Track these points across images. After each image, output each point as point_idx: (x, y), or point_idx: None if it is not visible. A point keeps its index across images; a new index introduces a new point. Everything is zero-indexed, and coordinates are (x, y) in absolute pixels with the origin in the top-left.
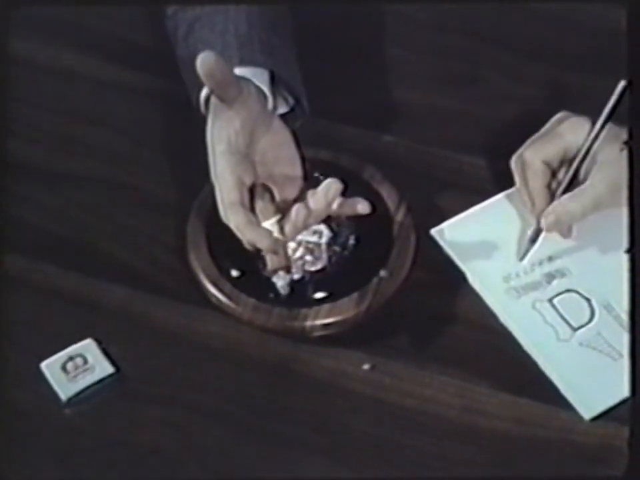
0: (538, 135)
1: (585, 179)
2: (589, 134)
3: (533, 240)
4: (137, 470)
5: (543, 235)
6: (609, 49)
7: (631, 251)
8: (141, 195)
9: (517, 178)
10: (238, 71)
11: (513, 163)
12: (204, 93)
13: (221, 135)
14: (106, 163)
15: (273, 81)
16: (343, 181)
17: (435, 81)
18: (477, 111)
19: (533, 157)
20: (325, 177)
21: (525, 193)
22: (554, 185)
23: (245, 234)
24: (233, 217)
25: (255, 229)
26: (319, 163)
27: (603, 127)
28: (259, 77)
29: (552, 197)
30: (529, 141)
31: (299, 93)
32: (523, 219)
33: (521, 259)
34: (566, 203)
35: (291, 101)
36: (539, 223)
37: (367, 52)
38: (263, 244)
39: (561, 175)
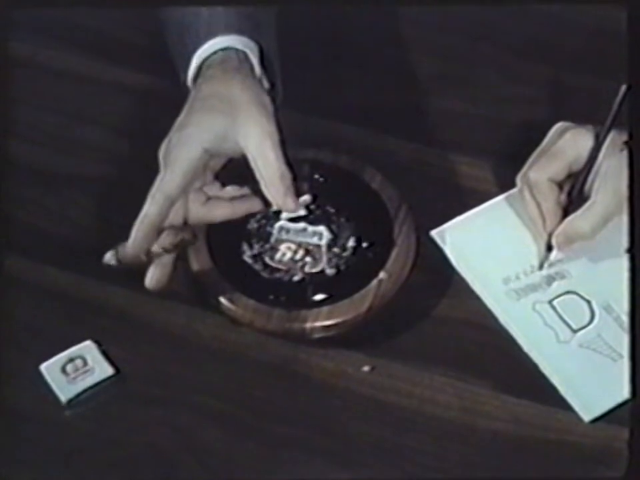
0: (539, 150)
1: (590, 190)
2: (592, 145)
3: (549, 249)
4: (137, 471)
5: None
6: (609, 49)
7: (630, 251)
8: (141, 195)
9: (525, 197)
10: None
11: (519, 181)
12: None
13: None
14: (106, 163)
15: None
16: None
17: (435, 81)
18: (476, 112)
19: (538, 177)
20: (325, 180)
21: (535, 212)
22: (562, 197)
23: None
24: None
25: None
26: (319, 163)
27: (606, 135)
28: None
29: (564, 211)
30: (531, 159)
31: (275, 76)
32: (523, 221)
33: (540, 267)
34: (575, 223)
35: (266, 84)
36: (549, 240)
37: (368, 52)
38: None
39: (565, 188)
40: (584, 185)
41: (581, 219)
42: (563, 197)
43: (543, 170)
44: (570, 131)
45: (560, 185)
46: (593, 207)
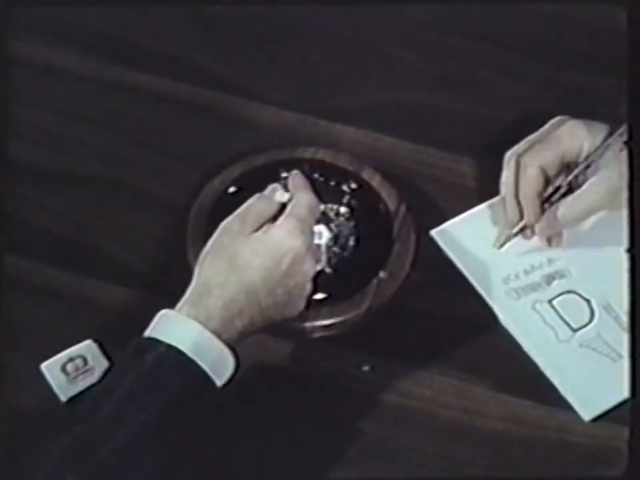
0: (535, 136)
1: (582, 183)
2: (588, 141)
3: (516, 234)
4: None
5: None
6: (609, 49)
7: (630, 250)
8: (141, 195)
9: (505, 175)
10: None
11: (507, 159)
12: None
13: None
14: (106, 163)
15: None
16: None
17: (435, 81)
18: (476, 111)
19: (530, 162)
20: (325, 179)
21: (511, 193)
22: (549, 189)
23: None
24: None
25: None
26: (319, 163)
27: (603, 143)
28: None
29: (542, 204)
30: (524, 142)
31: None
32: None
33: (500, 247)
34: (559, 209)
35: None
36: (523, 226)
37: (368, 52)
38: None
39: (558, 181)
40: (575, 178)
41: (565, 206)
42: (550, 188)
43: (537, 156)
44: (568, 122)
45: (547, 179)
46: (581, 196)
